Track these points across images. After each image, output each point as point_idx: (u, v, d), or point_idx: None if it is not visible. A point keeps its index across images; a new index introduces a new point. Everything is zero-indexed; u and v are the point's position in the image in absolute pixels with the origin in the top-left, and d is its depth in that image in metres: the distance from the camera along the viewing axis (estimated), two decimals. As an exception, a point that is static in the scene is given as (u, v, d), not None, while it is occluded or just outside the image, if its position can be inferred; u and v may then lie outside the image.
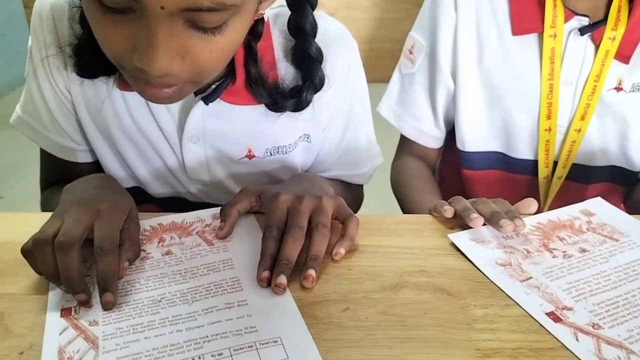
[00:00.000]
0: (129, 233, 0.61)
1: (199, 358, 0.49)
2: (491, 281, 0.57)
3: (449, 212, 0.67)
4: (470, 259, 0.60)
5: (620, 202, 0.95)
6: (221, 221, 0.66)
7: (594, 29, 0.83)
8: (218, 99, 0.73)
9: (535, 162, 0.91)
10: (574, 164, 0.89)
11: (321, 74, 0.73)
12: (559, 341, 0.50)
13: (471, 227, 0.65)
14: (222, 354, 0.49)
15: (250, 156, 0.78)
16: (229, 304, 0.55)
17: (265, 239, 0.60)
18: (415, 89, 0.93)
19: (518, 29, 0.85)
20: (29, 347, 0.51)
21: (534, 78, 0.85)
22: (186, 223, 0.68)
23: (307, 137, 0.80)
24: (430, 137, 0.95)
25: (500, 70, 0.87)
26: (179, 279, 0.58)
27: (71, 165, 0.81)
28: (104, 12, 0.54)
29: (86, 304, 0.55)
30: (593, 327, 0.51)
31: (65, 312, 0.54)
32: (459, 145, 0.93)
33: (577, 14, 0.83)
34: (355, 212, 0.88)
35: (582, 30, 0.83)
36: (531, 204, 0.69)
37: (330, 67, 0.75)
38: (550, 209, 0.91)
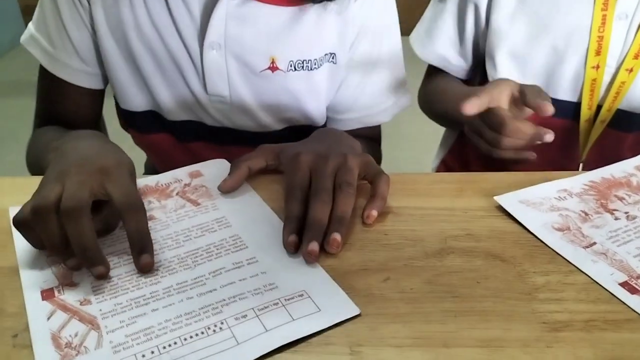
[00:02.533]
0: (136, 197, 0.53)
1: (222, 323, 0.43)
2: (549, 247, 0.50)
3: (467, 107, 0.61)
4: (523, 223, 0.53)
5: None
6: (230, 173, 0.59)
7: None
8: None
9: (576, 105, 0.83)
10: (618, 109, 0.82)
11: None
12: (637, 313, 0.43)
13: (518, 189, 0.58)
14: (246, 315, 0.43)
15: (273, 68, 0.71)
16: (237, 264, 0.49)
17: (288, 201, 0.53)
18: (444, 17, 0.87)
19: None
20: (23, 328, 0.44)
21: (586, 8, 0.77)
22: (162, 185, 0.61)
23: (333, 57, 0.73)
24: (455, 66, 0.89)
25: (540, 3, 0.79)
26: (172, 244, 0.52)
27: (71, 94, 0.75)
28: None
29: (105, 277, 0.48)
30: None
31: (47, 294, 0.47)
32: (491, 79, 0.85)
33: None
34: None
35: None
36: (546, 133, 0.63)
37: None
38: (588, 156, 0.85)
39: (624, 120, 0.82)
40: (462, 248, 0.51)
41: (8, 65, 3.16)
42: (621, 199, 0.56)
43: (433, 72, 0.93)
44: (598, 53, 0.78)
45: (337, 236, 0.50)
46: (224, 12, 0.68)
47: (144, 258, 0.48)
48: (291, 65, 0.72)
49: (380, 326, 0.43)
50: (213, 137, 0.75)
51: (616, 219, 0.53)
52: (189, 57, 0.70)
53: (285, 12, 0.69)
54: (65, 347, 0.42)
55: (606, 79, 0.80)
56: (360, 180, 0.57)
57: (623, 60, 0.78)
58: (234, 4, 0.68)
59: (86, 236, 0.47)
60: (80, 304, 0.46)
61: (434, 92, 0.91)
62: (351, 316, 0.43)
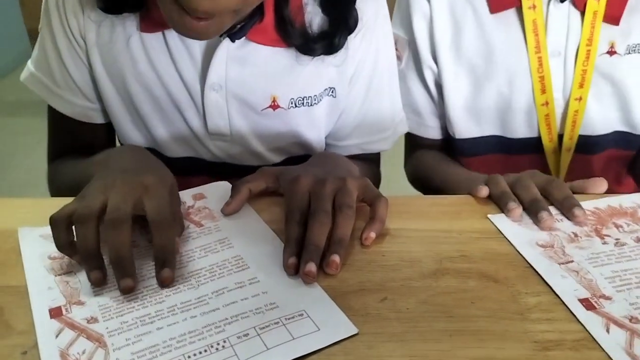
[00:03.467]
0: (175, 209, 0.56)
1: (224, 342, 0.44)
2: (527, 262, 0.52)
3: (483, 191, 0.62)
4: (509, 239, 0.55)
5: (625, 170, 0.91)
6: (231, 196, 0.61)
7: None
8: (244, 37, 0.69)
9: (536, 139, 0.86)
10: (579, 135, 0.85)
11: (355, 15, 0.70)
12: (588, 331, 0.45)
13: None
14: (247, 334, 0.45)
15: (274, 106, 0.73)
16: (239, 284, 0.51)
17: (288, 224, 0.55)
18: (408, 85, 0.89)
19: (495, 7, 0.81)
20: (32, 345, 0.45)
21: (521, 54, 0.82)
22: None
23: (333, 91, 0.75)
24: (433, 127, 0.91)
25: (482, 51, 0.83)
26: (176, 265, 0.53)
27: (83, 128, 0.77)
28: None
29: (132, 290, 0.49)
30: (630, 320, 0.45)
31: (55, 312, 0.48)
32: (452, 133, 0.89)
33: None
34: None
35: None
36: (602, 183, 0.64)
37: (359, 12, 0.71)
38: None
39: (587, 144, 0.86)
40: (457, 269, 0.52)
41: (15, 83, 3.20)
42: (618, 226, 0.58)
43: (415, 147, 0.95)
44: (543, 92, 0.82)
45: (336, 258, 0.52)
46: (225, 54, 0.69)
47: (164, 272, 0.50)
48: (292, 103, 0.74)
49: (378, 345, 0.44)
50: (212, 172, 0.76)
51: (604, 243, 0.55)
52: (189, 98, 0.72)
53: (284, 53, 0.71)
54: (73, 367, 0.43)
55: (559, 111, 0.84)
56: (359, 203, 0.58)
57: (570, 92, 0.82)
58: (234, 47, 0.69)
59: (125, 247, 0.49)
60: (88, 322, 0.47)
61: (425, 169, 0.92)
62: (349, 335, 0.45)
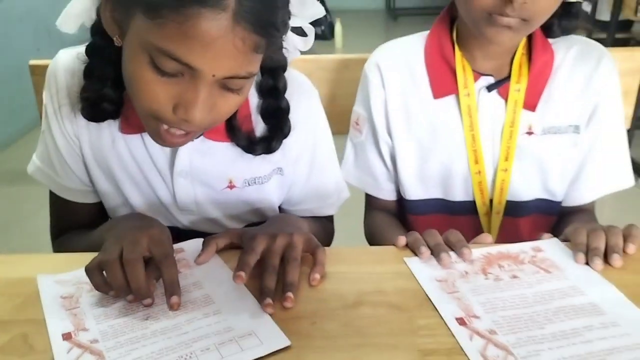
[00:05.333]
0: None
1: (192, 354, 0.61)
2: (425, 294, 0.69)
3: (400, 241, 0.79)
4: (416, 277, 0.72)
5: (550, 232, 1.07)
6: (202, 250, 0.78)
7: (498, 85, 0.97)
8: (202, 136, 0.86)
9: (472, 203, 1.03)
10: (506, 201, 1.02)
11: (288, 125, 0.87)
12: (458, 341, 0.61)
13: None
14: (209, 348, 0.61)
15: (231, 186, 0.90)
16: (206, 314, 0.67)
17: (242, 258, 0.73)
18: (367, 154, 1.06)
19: (438, 94, 0.99)
20: (50, 358, 0.61)
21: (458, 131, 0.99)
22: None
23: (280, 170, 0.92)
24: (387, 190, 1.08)
25: (427, 129, 1.01)
26: (158, 301, 0.70)
27: (79, 207, 0.94)
28: (157, 73, 0.68)
29: (151, 305, 0.68)
30: (489, 332, 0.62)
31: (66, 336, 0.65)
32: (404, 195, 1.06)
33: (483, 74, 0.97)
34: (328, 243, 1.01)
35: (489, 88, 0.97)
36: (486, 238, 0.82)
37: (295, 111, 0.88)
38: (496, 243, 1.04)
39: (514, 208, 1.02)
40: (371, 301, 0.69)
41: (19, 152, 3.37)
42: (501, 266, 0.75)
43: (372, 206, 1.12)
44: (476, 162, 0.99)
45: (290, 295, 0.68)
46: (188, 148, 0.86)
47: (173, 299, 0.68)
48: (246, 183, 0.90)
49: (304, 354, 0.60)
50: (185, 238, 0.86)
51: (486, 279, 0.72)
52: (163, 182, 0.89)
53: (236, 146, 0.87)
54: (81, 372, 0.59)
55: (489, 179, 1.01)
56: (304, 253, 0.75)
57: (497, 164, 0.99)
58: (195, 142, 0.85)
59: (141, 278, 0.67)
60: (91, 343, 0.63)
61: (374, 228, 1.09)
62: (284, 346, 0.61)
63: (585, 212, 1.06)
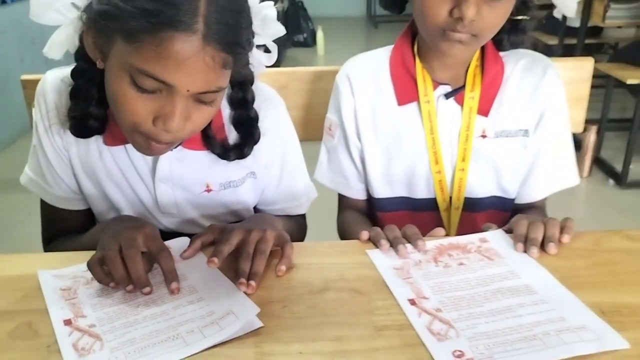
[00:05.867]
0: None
1: (178, 335, 0.70)
2: (384, 280, 0.79)
3: (363, 235, 0.89)
4: (377, 266, 0.82)
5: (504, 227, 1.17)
6: (188, 247, 0.87)
7: (455, 93, 1.07)
8: (180, 146, 0.95)
9: (434, 200, 1.13)
10: (465, 198, 1.12)
11: (258, 132, 0.97)
12: (408, 319, 0.71)
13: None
14: (193, 330, 0.70)
15: (208, 190, 1.00)
16: (191, 302, 0.77)
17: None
18: (339, 156, 1.16)
19: (401, 101, 1.09)
20: (54, 341, 0.70)
21: (420, 135, 1.09)
22: None
23: (253, 174, 1.02)
24: (357, 190, 1.18)
25: (393, 133, 1.11)
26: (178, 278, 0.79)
27: (69, 214, 1.03)
28: (138, 91, 0.77)
29: (150, 293, 0.77)
30: (436, 310, 0.72)
31: (67, 322, 0.73)
32: (372, 194, 1.16)
33: (441, 83, 1.08)
34: (302, 239, 1.11)
35: (447, 95, 1.07)
36: (439, 231, 0.92)
37: (263, 120, 0.98)
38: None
39: (471, 205, 1.12)
40: (336, 287, 0.79)
41: (8, 162, 3.42)
42: (450, 255, 0.85)
43: (343, 205, 1.22)
44: (437, 162, 1.09)
45: (253, 283, 0.78)
46: (168, 156, 0.95)
47: (173, 284, 0.77)
48: (222, 186, 1.00)
49: (276, 331, 0.70)
50: (166, 239, 0.90)
51: (436, 266, 0.82)
52: (145, 188, 0.99)
53: (211, 153, 0.96)
54: (81, 351, 0.68)
55: (449, 178, 1.11)
56: (275, 247, 0.85)
57: (455, 164, 1.09)
58: (175, 151, 0.95)
59: (140, 270, 0.76)
60: (89, 327, 0.72)
61: (345, 233, 1.18)
62: (258, 327, 0.70)
63: (536, 208, 1.16)
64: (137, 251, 0.78)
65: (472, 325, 0.69)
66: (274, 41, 0.95)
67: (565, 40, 3.76)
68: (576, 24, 3.58)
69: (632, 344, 0.66)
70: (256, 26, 0.86)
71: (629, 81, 2.95)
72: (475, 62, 1.07)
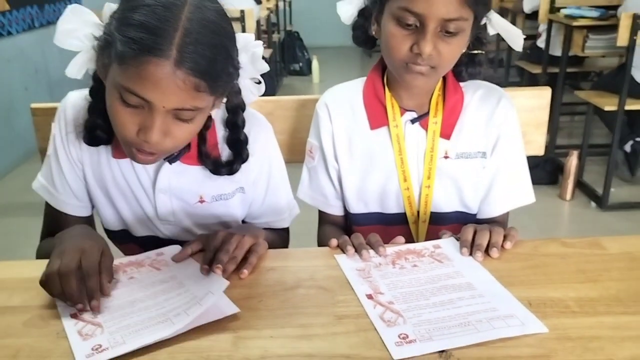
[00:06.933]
0: (105, 264, 0.91)
1: (167, 319, 0.83)
2: (347, 280, 0.91)
3: (332, 243, 1.02)
4: (342, 268, 0.94)
5: None
6: (179, 252, 1.00)
7: (420, 119, 1.20)
8: (178, 161, 1.09)
9: (404, 215, 1.25)
10: (431, 212, 1.24)
11: (247, 153, 1.11)
12: (365, 310, 0.84)
13: None
14: (179, 313, 0.84)
15: (202, 201, 1.14)
16: (179, 294, 0.89)
17: (206, 253, 0.97)
18: (318, 176, 1.29)
19: (373, 126, 1.22)
20: (62, 329, 0.82)
21: (390, 155, 1.22)
22: (140, 260, 1.02)
23: (242, 189, 1.16)
24: (335, 207, 1.31)
25: (366, 154, 1.23)
26: (143, 289, 0.92)
27: (69, 219, 1.15)
28: (125, 106, 0.91)
29: (85, 310, 0.86)
30: (389, 303, 0.85)
31: (73, 315, 0.86)
32: (348, 209, 1.29)
33: (407, 110, 1.21)
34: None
35: (413, 121, 1.20)
36: (400, 239, 1.04)
37: (253, 142, 1.12)
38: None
39: (437, 219, 1.24)
40: (307, 285, 0.91)
41: (9, 188, 3.55)
42: (406, 259, 0.97)
43: (322, 221, 1.34)
44: (405, 180, 1.22)
45: (223, 268, 0.92)
46: (167, 170, 1.10)
47: (92, 302, 0.85)
48: (214, 199, 1.13)
49: (251, 320, 0.82)
50: (163, 245, 1.06)
51: (393, 267, 0.94)
52: (146, 197, 1.12)
53: (206, 169, 1.10)
54: (85, 336, 0.81)
55: (416, 194, 1.23)
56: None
57: (422, 182, 1.22)
58: (173, 166, 1.09)
59: (73, 289, 0.85)
60: (92, 318, 0.85)
61: (325, 238, 1.25)
62: (235, 312, 0.83)
63: (497, 223, 1.29)
64: (71, 271, 0.85)
65: (418, 315, 0.81)
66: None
67: (549, 69, 3.92)
68: (558, 52, 3.74)
69: (551, 329, 0.79)
70: (246, 62, 1.01)
71: (607, 108, 3.10)
72: (437, 91, 1.20)
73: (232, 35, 0.97)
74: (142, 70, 0.87)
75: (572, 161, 3.23)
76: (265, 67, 1.05)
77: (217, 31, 0.92)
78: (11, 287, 0.94)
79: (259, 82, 1.10)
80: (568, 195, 3.26)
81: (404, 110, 1.21)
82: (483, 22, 1.15)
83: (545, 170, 3.41)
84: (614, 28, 3.03)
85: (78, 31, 0.98)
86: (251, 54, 1.03)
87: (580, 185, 3.34)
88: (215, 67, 0.91)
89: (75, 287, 0.85)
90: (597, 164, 3.54)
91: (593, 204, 3.22)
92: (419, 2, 1.01)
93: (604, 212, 3.14)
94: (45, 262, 0.90)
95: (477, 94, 1.23)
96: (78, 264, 0.88)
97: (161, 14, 0.87)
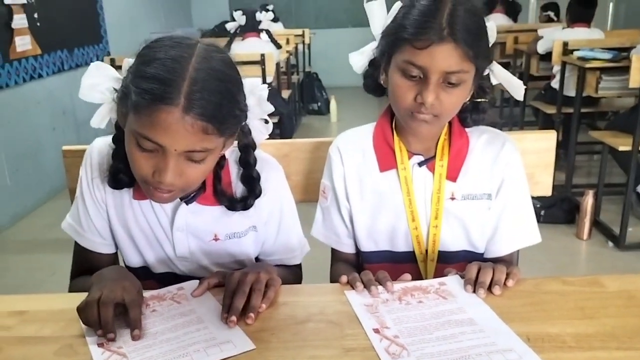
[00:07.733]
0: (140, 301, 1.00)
1: (187, 354, 0.89)
2: (355, 314, 0.96)
3: (342, 279, 1.08)
4: (351, 304, 1.00)
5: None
6: (197, 287, 1.07)
7: (427, 162, 1.26)
8: (195, 202, 1.17)
9: (412, 253, 1.30)
10: (439, 251, 1.29)
11: (259, 189, 1.18)
12: (371, 343, 0.89)
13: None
14: (199, 350, 0.89)
15: (216, 239, 1.21)
16: (198, 329, 0.95)
17: (225, 297, 1.01)
18: (331, 216, 1.35)
19: (383, 168, 1.29)
20: (90, 358, 0.89)
21: (399, 196, 1.28)
22: (162, 294, 1.08)
23: (254, 228, 1.23)
24: (347, 245, 1.36)
25: (376, 196, 1.29)
26: (164, 321, 0.98)
27: (96, 256, 1.23)
28: (141, 150, 1.00)
29: (113, 340, 0.92)
30: (394, 337, 0.90)
31: (100, 345, 0.92)
32: (360, 248, 1.34)
33: (415, 153, 1.27)
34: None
35: (420, 164, 1.27)
36: (406, 276, 1.10)
37: (265, 182, 1.19)
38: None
39: (445, 257, 1.29)
40: (317, 319, 0.97)
41: (35, 225, 3.66)
42: (412, 295, 1.02)
43: (335, 258, 1.39)
44: (413, 220, 1.27)
45: (252, 315, 0.96)
46: (184, 210, 1.17)
47: (135, 332, 0.93)
48: (227, 236, 1.20)
49: (264, 352, 0.88)
50: (181, 281, 1.11)
51: (400, 304, 0.99)
52: (165, 236, 1.19)
53: (221, 208, 1.17)
54: (111, 366, 0.87)
55: (424, 234, 1.28)
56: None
57: (429, 222, 1.27)
58: (190, 206, 1.16)
59: (108, 317, 0.92)
60: (117, 349, 0.91)
61: (336, 275, 1.30)
62: (250, 349, 0.88)
63: (504, 262, 1.33)
64: (111, 302, 0.93)
65: (421, 348, 0.86)
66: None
67: (563, 109, 3.97)
68: (573, 93, 3.80)
69: (547, 363, 0.83)
70: (253, 104, 1.10)
71: (621, 148, 3.13)
72: (444, 136, 1.27)
73: (237, 80, 1.06)
74: (154, 117, 0.96)
75: (588, 200, 3.23)
76: (271, 108, 1.13)
77: (222, 78, 1.01)
78: (42, 319, 1.01)
79: (267, 122, 1.18)
80: (585, 235, 3.25)
81: (411, 153, 1.27)
82: (486, 72, 1.21)
83: (562, 210, 3.42)
84: (626, 70, 3.09)
85: (100, 85, 1.09)
86: (258, 97, 1.12)
87: (597, 224, 3.33)
88: (221, 111, 0.99)
89: (111, 317, 0.92)
90: (614, 203, 3.53)
91: (610, 243, 3.21)
92: (422, 56, 1.09)
93: (622, 251, 3.13)
94: (76, 295, 0.97)
95: (482, 139, 1.29)
96: (118, 298, 0.95)
97: (170, 66, 0.97)
